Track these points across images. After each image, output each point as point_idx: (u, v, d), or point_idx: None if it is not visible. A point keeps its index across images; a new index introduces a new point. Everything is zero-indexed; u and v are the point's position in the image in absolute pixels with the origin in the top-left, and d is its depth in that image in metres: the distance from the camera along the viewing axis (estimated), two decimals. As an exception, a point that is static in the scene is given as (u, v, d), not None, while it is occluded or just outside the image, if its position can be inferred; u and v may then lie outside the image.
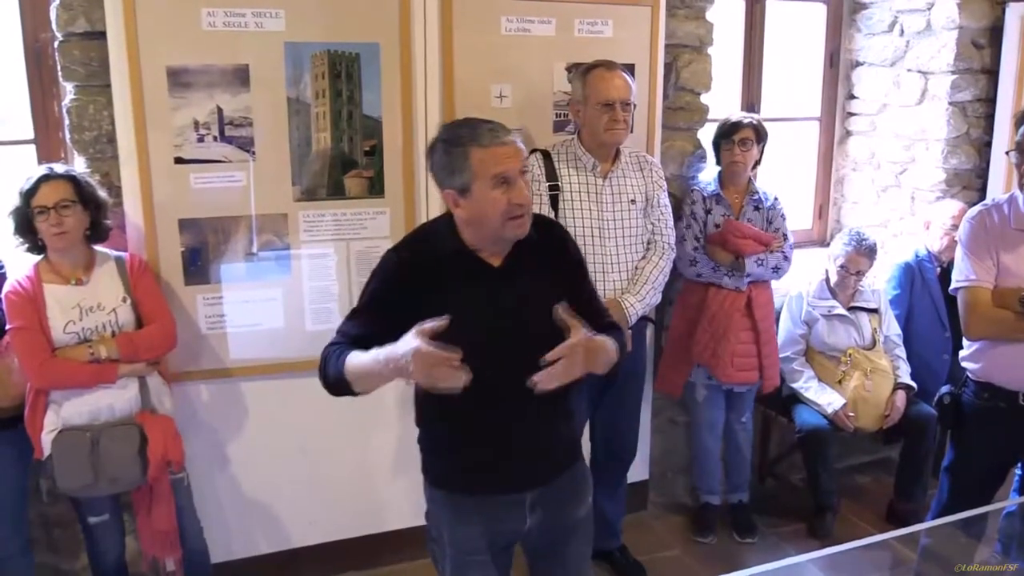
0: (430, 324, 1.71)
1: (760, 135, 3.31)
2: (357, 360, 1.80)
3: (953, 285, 2.63)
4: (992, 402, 2.61)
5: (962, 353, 2.72)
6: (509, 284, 1.92)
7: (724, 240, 3.28)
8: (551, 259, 2.00)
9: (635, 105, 2.90)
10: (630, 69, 3.09)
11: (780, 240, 3.32)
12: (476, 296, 1.89)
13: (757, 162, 3.36)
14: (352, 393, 1.86)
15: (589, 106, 2.78)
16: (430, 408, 2.01)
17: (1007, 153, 2.58)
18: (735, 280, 3.27)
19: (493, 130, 1.86)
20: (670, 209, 3.07)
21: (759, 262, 3.26)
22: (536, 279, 1.95)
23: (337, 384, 1.86)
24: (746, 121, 3.30)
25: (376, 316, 1.91)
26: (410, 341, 1.69)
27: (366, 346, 1.80)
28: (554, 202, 2.82)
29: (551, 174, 2.84)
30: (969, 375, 2.71)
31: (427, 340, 1.68)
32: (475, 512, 1.99)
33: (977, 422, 2.69)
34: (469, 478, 1.98)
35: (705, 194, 3.34)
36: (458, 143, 1.85)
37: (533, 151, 2.88)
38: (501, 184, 1.82)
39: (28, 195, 2.42)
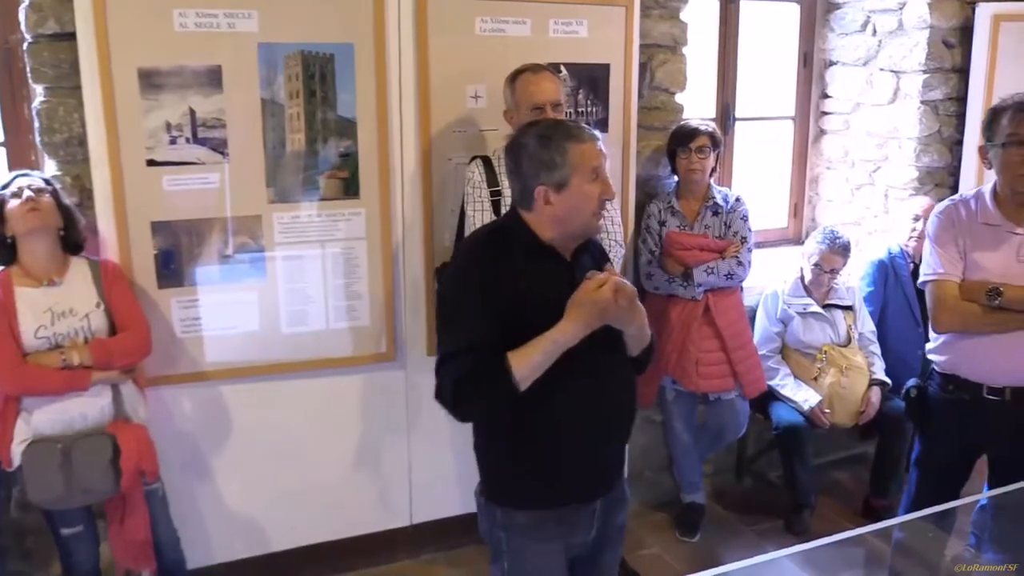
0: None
1: (716, 142, 3.31)
2: (521, 359, 1.79)
3: (921, 279, 2.66)
4: (956, 395, 2.64)
5: (928, 346, 2.75)
6: (583, 278, 1.91)
7: (669, 253, 3.31)
8: (600, 263, 2.05)
9: (569, 102, 2.91)
10: (606, 68, 3.09)
11: (737, 245, 3.31)
12: (559, 287, 1.88)
13: (713, 169, 3.35)
14: (516, 396, 1.81)
15: (520, 111, 2.69)
16: (509, 424, 1.92)
17: (1002, 146, 2.54)
18: (688, 290, 3.27)
19: (580, 127, 1.91)
20: (616, 206, 3.03)
21: (709, 270, 3.25)
22: None
23: (505, 400, 1.82)
24: (703, 128, 3.29)
25: (471, 315, 1.85)
26: (591, 295, 1.80)
27: (485, 349, 1.80)
28: (496, 208, 2.78)
29: (492, 180, 2.79)
30: (935, 367, 2.73)
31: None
32: (556, 526, 1.97)
33: (942, 415, 2.72)
34: (551, 489, 1.94)
35: (660, 206, 3.35)
36: (554, 138, 1.86)
37: (474, 158, 2.86)
38: (595, 179, 1.87)
39: (2, 187, 2.41)
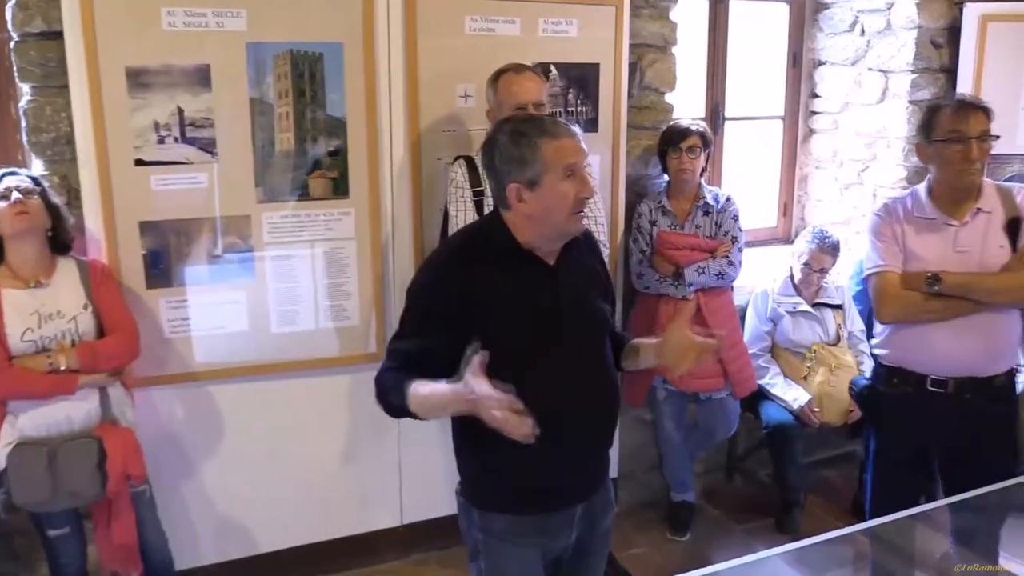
0: (478, 359, 1.62)
1: (707, 142, 3.31)
2: (421, 393, 1.74)
3: (864, 273, 2.70)
4: (901, 388, 2.66)
5: (873, 341, 2.78)
6: (566, 283, 1.88)
7: (660, 252, 3.31)
8: (593, 263, 2.01)
9: (558, 102, 2.92)
10: (596, 67, 3.09)
11: (728, 244, 3.31)
12: (537, 295, 1.83)
13: (704, 168, 3.36)
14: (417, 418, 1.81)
15: (503, 111, 2.66)
16: (486, 429, 1.80)
17: (942, 142, 2.55)
18: (679, 290, 3.27)
19: (556, 123, 1.83)
20: (600, 205, 3.01)
21: (700, 270, 3.25)
22: (586, 280, 1.95)
23: (400, 413, 1.82)
24: (693, 128, 3.29)
25: (428, 326, 1.82)
26: (470, 382, 1.62)
27: (421, 362, 1.76)
28: (479, 208, 2.76)
29: (475, 180, 2.78)
30: (880, 361, 2.75)
31: (484, 382, 1.61)
32: (535, 532, 1.94)
33: (889, 409, 2.74)
34: (531, 495, 1.91)
35: (651, 206, 3.35)
36: (527, 134, 1.79)
37: (457, 158, 2.86)
38: (570, 176, 1.79)
39: None
